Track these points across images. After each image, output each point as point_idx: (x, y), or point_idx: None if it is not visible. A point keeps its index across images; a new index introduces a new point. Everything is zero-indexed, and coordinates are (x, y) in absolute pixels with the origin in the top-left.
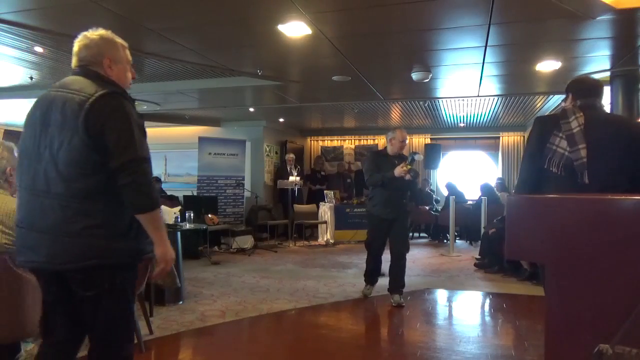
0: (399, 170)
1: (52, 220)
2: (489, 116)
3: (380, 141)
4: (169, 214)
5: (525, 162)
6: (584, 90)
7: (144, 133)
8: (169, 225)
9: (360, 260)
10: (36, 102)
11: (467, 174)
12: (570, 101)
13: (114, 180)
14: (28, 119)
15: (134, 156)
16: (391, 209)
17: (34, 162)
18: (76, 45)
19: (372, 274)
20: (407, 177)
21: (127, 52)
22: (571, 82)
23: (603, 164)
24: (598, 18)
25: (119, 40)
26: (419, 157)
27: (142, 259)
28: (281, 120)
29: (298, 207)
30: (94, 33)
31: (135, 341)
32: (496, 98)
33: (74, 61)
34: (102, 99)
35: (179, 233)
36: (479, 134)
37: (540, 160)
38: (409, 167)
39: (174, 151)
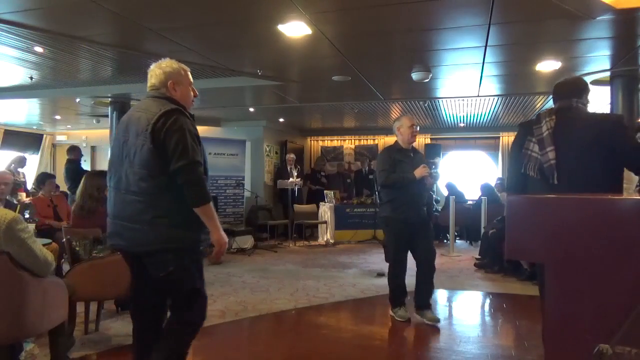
0: (421, 171)
1: (130, 211)
2: (489, 116)
3: (380, 141)
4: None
5: (509, 168)
6: (562, 92)
7: (198, 141)
8: None
9: (360, 260)
10: (121, 121)
11: (467, 174)
12: (555, 104)
13: (175, 180)
14: (116, 132)
15: (188, 161)
16: (417, 211)
17: (118, 166)
18: (149, 74)
19: (399, 292)
20: (429, 180)
21: (189, 75)
22: (555, 85)
23: (573, 163)
24: (598, 18)
25: (182, 66)
26: (439, 160)
27: (201, 245)
28: (281, 120)
29: (298, 207)
30: (162, 63)
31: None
32: (496, 98)
33: (148, 86)
34: (163, 116)
35: None
36: (479, 134)
37: (520, 165)
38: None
39: None
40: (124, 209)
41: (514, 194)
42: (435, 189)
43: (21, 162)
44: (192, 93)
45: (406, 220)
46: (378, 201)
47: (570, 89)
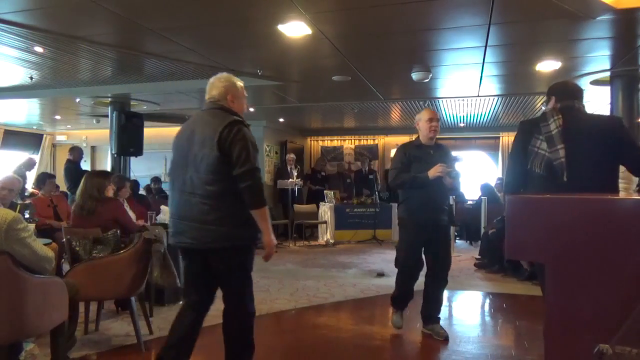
0: (435, 171)
1: (194, 212)
2: (489, 116)
3: (380, 141)
4: (169, 214)
5: (509, 165)
6: (565, 92)
7: (256, 148)
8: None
9: (360, 260)
10: (182, 127)
11: (467, 174)
12: (553, 104)
13: (237, 185)
14: (177, 140)
15: (250, 167)
16: (434, 214)
17: (182, 171)
18: (208, 86)
19: (403, 298)
20: (447, 180)
21: (244, 89)
22: (553, 85)
23: (582, 162)
24: (598, 18)
25: (238, 81)
26: (461, 159)
27: (256, 243)
28: (281, 120)
29: (298, 207)
30: (222, 77)
31: (135, 341)
32: (496, 98)
33: (207, 97)
34: (228, 126)
35: None
36: (479, 134)
37: (524, 162)
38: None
39: None
40: (190, 210)
41: (511, 191)
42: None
43: (30, 165)
44: (245, 106)
45: (420, 223)
46: (378, 201)
47: (572, 91)
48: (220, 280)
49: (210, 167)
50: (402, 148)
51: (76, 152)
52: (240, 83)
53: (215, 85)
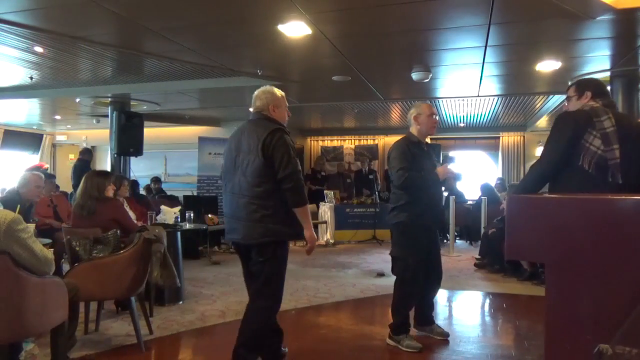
0: (444, 171)
1: (244, 212)
2: (489, 116)
3: (380, 141)
4: (169, 214)
5: (548, 155)
6: (602, 89)
7: (296, 152)
8: (169, 226)
9: (360, 260)
10: (231, 137)
11: (467, 174)
12: (589, 100)
13: (280, 186)
14: (227, 147)
15: (291, 170)
16: (437, 215)
17: (232, 175)
18: (253, 98)
19: (408, 316)
20: (451, 181)
21: (284, 99)
22: (586, 80)
23: (632, 164)
24: (598, 18)
25: (279, 92)
26: (454, 159)
27: (294, 239)
28: None
29: None
30: (265, 89)
31: (135, 341)
32: (496, 98)
33: (252, 108)
34: (270, 134)
35: (179, 233)
36: (479, 134)
37: (566, 156)
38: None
39: (174, 151)
40: (239, 209)
41: (540, 183)
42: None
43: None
44: (286, 114)
45: (427, 226)
46: (378, 201)
47: (606, 89)
48: (253, 268)
49: (256, 171)
50: (405, 145)
51: (88, 153)
52: (280, 94)
53: (259, 97)
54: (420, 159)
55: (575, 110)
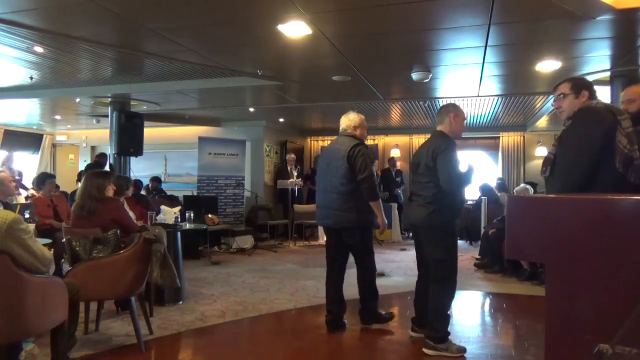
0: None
1: (334, 204)
2: (489, 116)
3: (380, 141)
4: (169, 214)
5: (589, 161)
6: (595, 90)
7: (372, 161)
8: (169, 226)
9: None
10: (326, 148)
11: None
12: (587, 99)
13: (359, 186)
14: (322, 154)
15: (368, 174)
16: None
17: (325, 177)
18: (341, 120)
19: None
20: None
21: (364, 121)
22: (581, 79)
23: None
24: (598, 18)
25: (360, 116)
26: None
27: (372, 225)
28: (281, 120)
29: (298, 207)
30: (349, 116)
31: (135, 341)
32: (496, 98)
33: (340, 129)
34: (353, 148)
35: (178, 233)
36: (479, 134)
37: (598, 158)
38: None
39: (174, 151)
40: (331, 203)
41: (578, 186)
42: None
43: (9, 160)
44: (365, 131)
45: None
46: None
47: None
48: (351, 248)
49: (343, 174)
50: (453, 144)
51: (102, 157)
52: (360, 117)
53: (344, 121)
54: None
55: (597, 106)
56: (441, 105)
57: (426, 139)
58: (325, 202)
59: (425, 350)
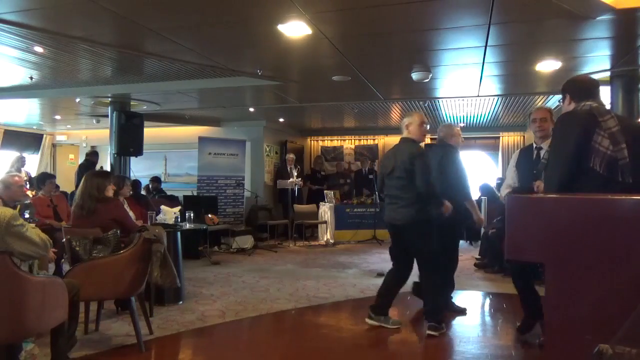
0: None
1: (399, 203)
2: (489, 116)
3: (380, 141)
4: (169, 214)
5: (565, 162)
6: (583, 90)
7: (428, 164)
8: (169, 226)
9: (360, 260)
10: (388, 151)
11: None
12: (570, 102)
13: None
14: (386, 155)
15: (425, 178)
16: None
17: (389, 177)
18: (402, 125)
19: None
20: None
21: (420, 118)
22: (567, 83)
23: (636, 163)
24: (598, 18)
25: (415, 116)
26: None
27: (431, 221)
28: (281, 120)
29: (298, 207)
30: (405, 120)
31: (135, 341)
32: (496, 98)
33: (403, 133)
34: (413, 152)
35: (178, 233)
36: (479, 134)
37: (577, 159)
38: None
39: (174, 151)
40: (396, 200)
41: (560, 190)
42: None
43: (22, 162)
44: (419, 130)
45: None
46: (378, 201)
47: (592, 88)
48: (411, 245)
49: (403, 176)
50: (424, 150)
51: (94, 155)
52: (413, 117)
53: (405, 123)
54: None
55: (577, 110)
56: (441, 105)
57: (395, 145)
58: (392, 201)
59: (429, 332)
